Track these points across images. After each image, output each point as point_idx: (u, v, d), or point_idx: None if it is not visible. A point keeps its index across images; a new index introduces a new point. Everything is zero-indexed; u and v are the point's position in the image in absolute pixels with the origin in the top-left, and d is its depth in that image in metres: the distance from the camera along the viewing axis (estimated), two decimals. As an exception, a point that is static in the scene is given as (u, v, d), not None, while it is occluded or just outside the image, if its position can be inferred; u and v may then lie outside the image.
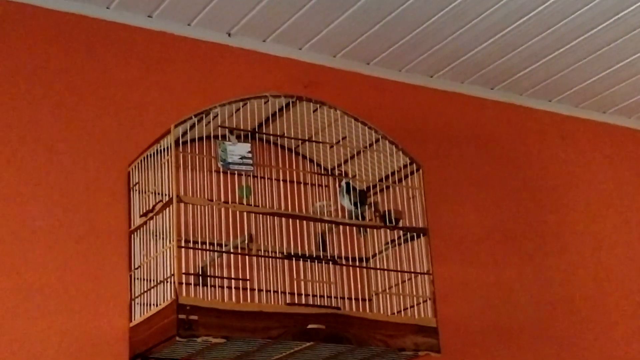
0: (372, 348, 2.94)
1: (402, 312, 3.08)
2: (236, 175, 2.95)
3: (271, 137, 3.16)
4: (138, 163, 3.04)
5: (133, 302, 2.95)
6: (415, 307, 3.07)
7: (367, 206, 3.15)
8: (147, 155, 2.99)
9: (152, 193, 2.96)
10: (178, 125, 2.88)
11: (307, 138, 3.19)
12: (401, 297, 3.10)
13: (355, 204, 3.11)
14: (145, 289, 2.91)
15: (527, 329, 3.61)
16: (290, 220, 2.99)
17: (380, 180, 3.22)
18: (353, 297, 3.10)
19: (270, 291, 3.00)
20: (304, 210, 3.07)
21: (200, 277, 2.88)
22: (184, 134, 2.98)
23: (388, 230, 3.15)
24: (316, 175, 3.26)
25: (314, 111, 3.10)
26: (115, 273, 2.97)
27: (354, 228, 3.14)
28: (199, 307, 2.71)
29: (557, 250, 3.80)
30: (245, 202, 2.94)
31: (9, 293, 2.82)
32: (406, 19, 3.38)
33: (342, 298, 3.08)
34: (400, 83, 3.70)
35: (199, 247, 2.88)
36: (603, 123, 4.13)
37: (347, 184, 3.14)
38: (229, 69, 3.38)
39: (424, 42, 3.52)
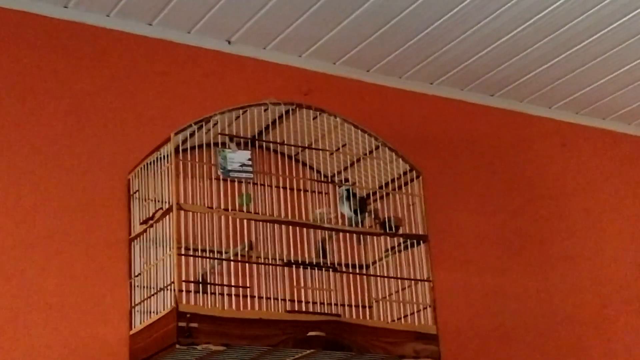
0: (373, 355, 2.94)
1: (402, 319, 3.08)
2: (236, 183, 2.95)
3: (271, 144, 3.16)
4: (138, 171, 3.04)
5: (133, 310, 2.95)
6: (416, 314, 3.07)
7: (367, 213, 3.15)
8: (147, 163, 3.00)
9: (152, 201, 2.96)
10: (178, 133, 2.88)
11: (307, 145, 3.19)
12: (401, 304, 3.10)
13: (355, 211, 3.11)
14: (145, 297, 2.91)
15: (527, 336, 3.61)
16: (290, 227, 2.99)
17: (380, 187, 3.22)
18: (353, 304, 3.09)
19: (270, 298, 2.99)
20: (304, 218, 3.06)
21: (201, 285, 2.88)
22: (184, 141, 2.98)
23: (388, 238, 3.15)
24: (316, 183, 3.26)
25: (313, 118, 3.10)
26: (116, 280, 2.97)
27: (354, 236, 3.14)
28: (199, 314, 2.71)
29: (557, 257, 3.79)
30: (245, 210, 2.94)
31: (9, 300, 2.81)
32: (406, 26, 3.38)
33: (342, 305, 3.07)
34: (400, 90, 3.71)
35: (199, 254, 2.87)
36: (603, 129, 4.13)
37: (347, 191, 3.13)
38: (228, 77, 3.38)
39: (424, 49, 3.53)
